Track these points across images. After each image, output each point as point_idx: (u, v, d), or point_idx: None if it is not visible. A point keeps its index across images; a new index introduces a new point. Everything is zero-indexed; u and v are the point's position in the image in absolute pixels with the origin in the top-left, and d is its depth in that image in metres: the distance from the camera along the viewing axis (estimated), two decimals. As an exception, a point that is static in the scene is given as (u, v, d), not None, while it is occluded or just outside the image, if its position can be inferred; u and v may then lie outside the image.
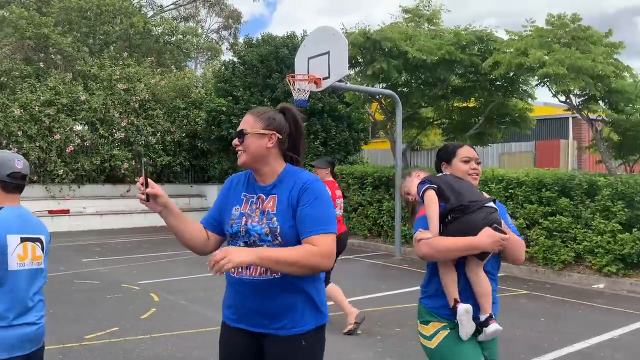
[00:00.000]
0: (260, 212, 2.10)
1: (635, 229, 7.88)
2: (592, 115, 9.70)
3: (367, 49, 10.78)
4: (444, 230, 2.33)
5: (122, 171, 15.68)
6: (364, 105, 13.64)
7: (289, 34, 15.99)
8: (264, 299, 2.06)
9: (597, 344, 5.24)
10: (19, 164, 2.47)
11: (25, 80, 15.12)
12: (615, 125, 9.23)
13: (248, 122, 2.15)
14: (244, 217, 2.12)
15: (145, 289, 7.26)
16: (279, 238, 2.03)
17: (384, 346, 5.06)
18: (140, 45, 21.29)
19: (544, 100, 14.44)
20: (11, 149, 13.70)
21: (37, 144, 14.20)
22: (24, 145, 13.90)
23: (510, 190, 9.18)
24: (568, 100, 9.54)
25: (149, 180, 2.05)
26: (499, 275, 2.54)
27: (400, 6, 12.29)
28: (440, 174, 2.53)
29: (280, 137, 2.15)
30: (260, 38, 16.16)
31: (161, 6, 27.95)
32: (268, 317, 2.07)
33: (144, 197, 2.04)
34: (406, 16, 12.22)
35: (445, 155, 2.56)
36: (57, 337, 4.98)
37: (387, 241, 11.51)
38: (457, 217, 2.31)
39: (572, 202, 8.52)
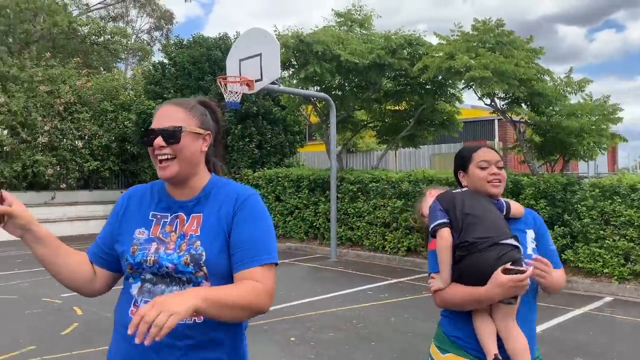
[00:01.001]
0: (179, 237, 1.59)
1: (557, 226, 8.27)
2: (515, 118, 10.11)
3: (300, 52, 10.76)
4: (456, 269, 1.92)
5: (47, 177, 14.88)
6: (299, 108, 13.62)
7: (221, 36, 15.72)
8: (178, 354, 1.52)
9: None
10: None
11: None
12: (536, 127, 9.66)
13: (179, 117, 1.61)
14: (153, 244, 1.59)
15: (67, 302, 6.87)
16: (204, 269, 1.53)
17: (317, 352, 5.02)
18: (65, 45, 20.34)
19: (471, 103, 14.95)
20: None
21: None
22: None
23: (440, 191, 9.41)
24: (493, 103, 9.90)
25: (2, 192, 1.53)
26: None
27: (332, 10, 12.35)
28: (456, 190, 2.09)
29: (210, 138, 1.70)
30: (191, 39, 15.79)
31: (87, 5, 26.83)
32: None
33: None
34: (338, 20, 12.31)
35: (460, 162, 2.13)
36: (-35, 360, 4.60)
37: (323, 243, 11.52)
38: (463, 255, 1.89)
39: (498, 202, 8.82)
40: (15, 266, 9.83)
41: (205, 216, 1.61)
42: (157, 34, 31.59)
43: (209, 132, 1.67)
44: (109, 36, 21.64)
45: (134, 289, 1.61)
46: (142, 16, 31.42)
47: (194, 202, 1.64)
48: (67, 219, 14.36)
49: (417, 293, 7.47)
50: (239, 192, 1.64)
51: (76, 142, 15.48)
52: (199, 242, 1.56)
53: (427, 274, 2.11)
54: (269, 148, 14.30)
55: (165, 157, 1.58)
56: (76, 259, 1.68)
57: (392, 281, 8.33)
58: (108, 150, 16.28)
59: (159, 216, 1.65)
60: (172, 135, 1.57)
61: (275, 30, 11.53)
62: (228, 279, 1.57)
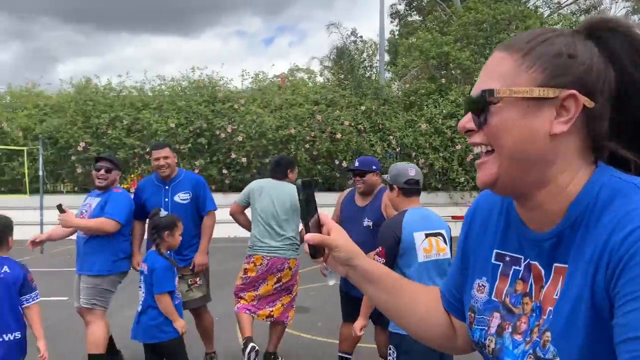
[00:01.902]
0: (534, 309, 0.86)
1: None
2: None
3: None
4: None
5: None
6: None
7: None
8: None
9: None
10: (412, 171, 2.91)
11: (430, 97, 16.58)
12: None
13: (501, 71, 0.85)
14: (496, 314, 0.93)
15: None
16: None
17: None
18: (535, 47, 20.65)
19: None
20: (419, 160, 15.21)
21: (441, 154, 15.32)
22: (430, 156, 15.19)
23: None
24: None
25: (320, 214, 1.06)
26: None
27: None
28: None
29: (589, 103, 0.81)
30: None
31: (559, 3, 26.53)
32: None
33: (307, 250, 1.05)
34: None
35: None
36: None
37: None
38: None
39: None
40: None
41: (572, 276, 0.80)
42: (635, 17, 28.33)
43: (572, 91, 0.80)
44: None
45: None
46: (616, 2, 28.82)
47: (553, 240, 0.84)
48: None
49: None
50: (627, 221, 0.73)
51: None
52: (549, 334, 0.80)
53: None
54: None
55: (480, 149, 0.88)
56: (425, 303, 1.11)
57: None
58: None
59: (507, 259, 0.93)
60: (478, 110, 0.86)
61: None
62: None
